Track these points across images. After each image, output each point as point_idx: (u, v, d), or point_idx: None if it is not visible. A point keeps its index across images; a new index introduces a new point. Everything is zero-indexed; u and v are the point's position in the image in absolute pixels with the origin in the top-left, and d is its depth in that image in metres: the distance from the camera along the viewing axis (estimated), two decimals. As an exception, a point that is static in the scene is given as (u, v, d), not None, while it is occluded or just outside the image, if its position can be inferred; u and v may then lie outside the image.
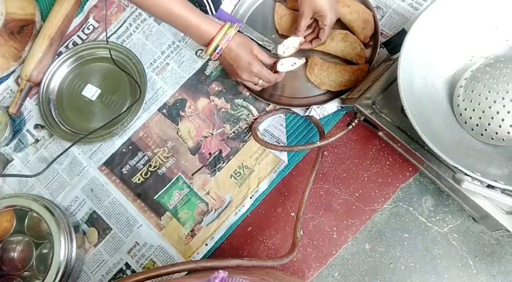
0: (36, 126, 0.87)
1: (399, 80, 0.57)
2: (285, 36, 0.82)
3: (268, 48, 0.82)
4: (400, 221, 0.72)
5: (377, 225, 0.72)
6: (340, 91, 0.77)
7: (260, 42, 0.82)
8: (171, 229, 0.77)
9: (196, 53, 0.86)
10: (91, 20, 0.91)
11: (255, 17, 0.86)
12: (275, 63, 0.75)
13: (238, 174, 0.77)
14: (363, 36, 0.78)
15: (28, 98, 0.88)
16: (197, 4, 0.84)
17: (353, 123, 0.71)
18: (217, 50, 0.70)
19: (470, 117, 0.62)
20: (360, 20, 0.78)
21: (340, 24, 0.81)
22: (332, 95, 0.78)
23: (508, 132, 0.59)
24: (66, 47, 0.91)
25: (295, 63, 0.75)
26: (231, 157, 0.79)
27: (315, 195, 0.74)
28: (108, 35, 0.90)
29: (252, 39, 0.82)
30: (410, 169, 0.73)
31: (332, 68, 0.76)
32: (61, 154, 0.81)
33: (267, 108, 0.80)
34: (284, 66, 0.75)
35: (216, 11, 0.85)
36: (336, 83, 0.76)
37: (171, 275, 0.50)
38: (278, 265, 0.60)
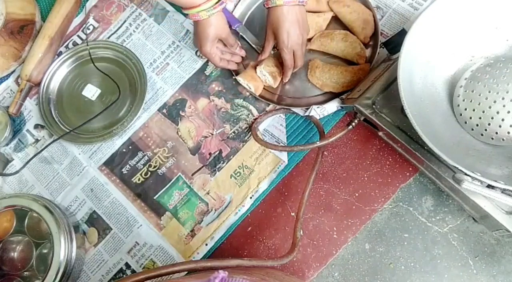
0: (36, 126, 0.87)
1: (399, 80, 0.57)
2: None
3: (260, 52, 0.82)
4: (400, 221, 0.72)
5: (377, 225, 0.72)
6: (340, 91, 0.77)
7: (253, 45, 0.83)
8: (171, 229, 0.77)
9: (196, 53, 0.86)
10: (91, 20, 0.91)
11: (255, 17, 0.86)
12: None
13: (238, 174, 0.77)
14: (363, 36, 0.78)
15: (28, 98, 0.88)
16: None
17: (353, 123, 0.71)
18: (187, 17, 0.72)
19: (470, 117, 0.62)
20: (360, 20, 0.78)
21: (340, 24, 0.81)
22: (332, 95, 0.78)
23: (508, 132, 0.59)
24: (66, 47, 0.91)
25: (250, 88, 0.78)
26: (231, 157, 0.79)
27: (315, 195, 0.74)
28: (108, 35, 0.90)
29: (246, 41, 0.83)
30: (410, 169, 0.73)
31: (334, 70, 0.76)
32: (46, 146, 0.82)
33: (267, 108, 0.80)
34: (241, 81, 0.78)
35: None
36: (338, 84, 0.76)
37: (171, 275, 0.50)
38: (278, 265, 0.60)
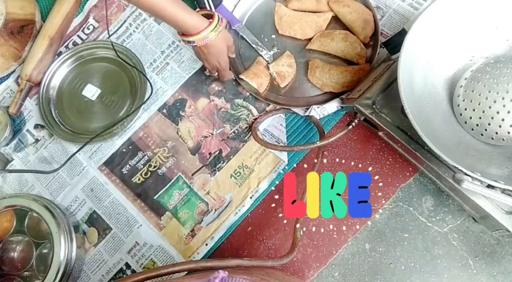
0: (36, 126, 0.87)
1: (399, 80, 0.57)
2: (284, 36, 0.82)
3: (261, 53, 0.82)
4: (400, 221, 0.72)
5: (377, 225, 0.72)
6: (340, 91, 0.77)
7: (254, 46, 0.82)
8: (171, 229, 0.77)
9: (196, 53, 0.86)
10: (91, 20, 0.91)
11: (255, 16, 0.86)
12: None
13: (238, 174, 0.77)
14: (363, 36, 0.78)
15: (28, 98, 0.88)
16: (196, 2, 0.84)
17: (353, 123, 0.71)
18: (191, 44, 0.69)
19: (470, 117, 0.62)
20: (360, 20, 0.78)
21: (340, 24, 0.81)
22: (332, 95, 0.78)
23: (508, 132, 0.59)
24: (66, 47, 0.91)
25: (253, 85, 0.79)
26: (231, 156, 0.78)
27: (315, 195, 0.74)
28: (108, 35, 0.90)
29: (246, 41, 0.83)
30: (410, 169, 0.73)
31: (334, 70, 0.76)
32: (76, 152, 0.81)
33: (267, 108, 0.80)
34: (245, 79, 0.79)
35: (215, 9, 0.85)
36: (338, 84, 0.76)
37: (171, 275, 0.50)
38: (278, 265, 0.60)
